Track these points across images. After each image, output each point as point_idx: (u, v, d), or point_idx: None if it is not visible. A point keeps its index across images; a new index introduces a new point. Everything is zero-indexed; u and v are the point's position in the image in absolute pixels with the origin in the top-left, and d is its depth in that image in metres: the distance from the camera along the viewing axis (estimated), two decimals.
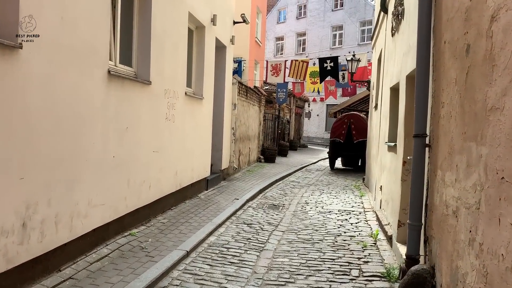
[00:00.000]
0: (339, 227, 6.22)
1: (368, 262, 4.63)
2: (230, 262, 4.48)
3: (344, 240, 5.49)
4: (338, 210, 7.49)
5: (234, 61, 13.01)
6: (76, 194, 3.79)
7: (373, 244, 5.31)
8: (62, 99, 3.51)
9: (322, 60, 13.80)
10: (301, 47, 35.90)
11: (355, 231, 6.00)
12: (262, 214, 6.99)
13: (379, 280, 4.08)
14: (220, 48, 9.10)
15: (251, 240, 5.34)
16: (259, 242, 5.31)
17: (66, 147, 3.61)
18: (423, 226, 3.54)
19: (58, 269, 3.64)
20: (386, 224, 5.74)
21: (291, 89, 18.97)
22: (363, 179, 11.45)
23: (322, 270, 4.35)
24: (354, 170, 14.99)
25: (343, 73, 14.86)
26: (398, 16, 5.51)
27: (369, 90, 12.74)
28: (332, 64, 13.55)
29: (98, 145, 4.13)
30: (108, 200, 4.41)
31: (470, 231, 2.30)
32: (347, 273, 4.27)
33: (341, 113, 17.81)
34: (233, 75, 11.15)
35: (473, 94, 2.39)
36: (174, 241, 4.87)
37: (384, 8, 7.33)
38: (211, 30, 8.08)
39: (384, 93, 7.33)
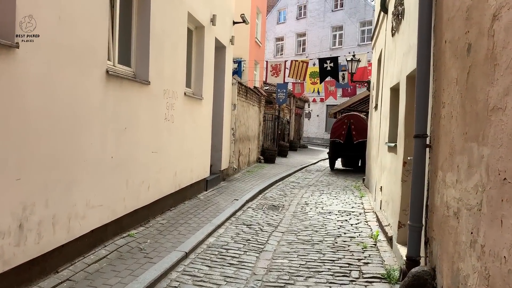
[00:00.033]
0: (339, 228, 6.19)
1: (368, 263, 4.60)
2: (229, 264, 4.45)
3: (344, 241, 5.46)
4: (338, 211, 7.46)
5: (234, 61, 12.98)
6: (74, 195, 3.76)
7: (373, 245, 5.28)
8: (60, 99, 3.48)
9: (322, 61, 13.77)
10: (301, 48, 35.88)
11: (355, 232, 5.97)
12: (262, 215, 6.96)
13: (379, 282, 4.05)
14: (219, 48, 9.07)
15: (250, 241, 5.31)
16: (259, 243, 5.28)
17: (64, 148, 3.58)
18: (423, 227, 3.51)
19: (56, 271, 3.61)
20: (386, 225, 5.71)
21: (291, 89, 18.95)
22: (363, 179, 11.42)
23: (322, 271, 4.32)
24: (354, 171, 14.96)
25: (343, 74, 14.83)
26: (398, 16, 5.48)
27: (369, 91, 12.71)
28: (332, 64, 13.51)
29: (96, 145, 4.10)
30: (106, 201, 4.38)
31: (472, 233, 2.27)
32: (347, 275, 4.24)
33: (341, 114, 17.78)
34: (232, 75, 11.12)
35: (475, 94, 2.36)
36: (173, 242, 4.84)
37: (384, 8, 7.30)
38: (211, 30, 8.05)
39: (384, 93, 7.30)
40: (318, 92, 18.90)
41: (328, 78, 14.56)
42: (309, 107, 33.33)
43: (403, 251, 4.30)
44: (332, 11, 33.90)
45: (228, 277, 4.07)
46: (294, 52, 35.50)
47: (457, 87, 2.73)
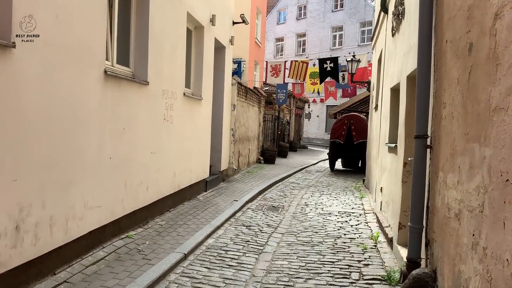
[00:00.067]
0: (339, 229, 6.15)
1: (368, 265, 4.57)
2: (229, 265, 4.41)
3: (344, 243, 5.42)
4: (338, 212, 7.43)
5: (233, 61, 12.96)
6: (71, 196, 3.72)
7: (374, 247, 5.25)
8: (57, 99, 3.45)
9: (322, 61, 13.74)
10: (301, 48, 35.87)
11: (355, 233, 5.93)
12: (262, 216, 6.92)
13: (380, 284, 4.01)
14: (219, 48, 9.05)
15: (250, 243, 5.28)
16: (258, 244, 5.24)
17: (61, 148, 3.55)
18: (424, 229, 3.48)
19: (53, 273, 3.57)
20: (386, 226, 5.67)
21: (291, 90, 18.91)
22: (363, 180, 11.38)
23: (322, 273, 4.29)
24: (354, 171, 14.92)
25: (343, 74, 14.80)
26: (399, 16, 5.45)
27: (369, 91, 12.68)
28: (332, 65, 13.48)
29: (94, 146, 4.07)
30: (104, 202, 4.35)
31: (473, 235, 2.24)
32: (347, 276, 4.20)
33: (341, 114, 17.75)
34: (232, 75, 11.09)
35: (476, 94, 2.33)
36: (171, 244, 4.81)
37: (384, 8, 7.27)
38: (210, 30, 8.03)
39: (384, 93, 7.27)
40: (318, 93, 18.88)
41: (328, 79, 14.53)
42: (309, 107, 33.31)
43: (403, 252, 4.27)
44: (332, 11, 33.89)
45: (227, 279, 4.04)
46: (294, 53, 35.48)
47: (458, 87, 2.70)
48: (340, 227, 6.31)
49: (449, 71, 2.95)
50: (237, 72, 14.74)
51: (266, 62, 16.62)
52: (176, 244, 4.80)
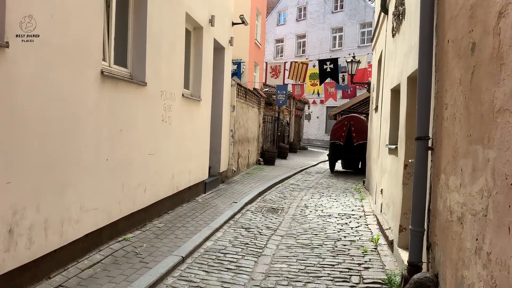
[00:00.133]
0: (339, 232, 6.09)
1: (368, 268, 4.51)
2: (227, 268, 4.35)
3: (344, 245, 5.36)
4: (338, 214, 7.36)
5: (233, 63, 12.91)
6: (67, 198, 3.67)
7: (374, 249, 5.19)
8: (52, 100, 3.40)
9: (322, 62, 13.69)
10: (301, 49, 35.82)
11: (355, 236, 5.87)
12: (261, 218, 6.86)
13: (380, 287, 3.95)
14: (218, 49, 9.00)
15: (248, 245, 5.22)
16: (257, 247, 5.18)
17: (57, 150, 3.49)
18: (425, 232, 3.42)
19: (48, 277, 3.51)
20: (387, 229, 5.61)
21: (291, 91, 18.84)
22: (363, 181, 11.32)
23: (321, 276, 4.23)
24: (354, 173, 14.87)
25: (343, 75, 14.74)
26: (399, 16, 5.40)
27: (369, 92, 12.63)
28: (332, 66, 13.42)
29: (90, 147, 4.01)
30: (101, 205, 4.29)
31: (477, 239, 2.18)
32: (347, 280, 4.14)
33: (341, 115, 17.68)
34: (232, 77, 11.04)
35: (479, 94, 2.27)
36: (169, 247, 4.75)
37: (384, 8, 7.22)
38: (209, 31, 7.98)
39: (384, 94, 7.21)
40: (318, 94, 18.79)
41: (328, 80, 14.47)
42: (309, 108, 33.24)
43: (404, 255, 4.21)
44: (332, 12, 33.86)
45: (225, 282, 3.98)
46: (294, 54, 35.44)
47: (460, 87, 2.64)
48: (340, 229, 6.25)
49: (451, 71, 2.90)
50: (236, 73, 14.68)
51: (266, 63, 16.56)
52: (174, 247, 4.74)
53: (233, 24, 10.10)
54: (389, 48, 6.74)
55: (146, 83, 5.15)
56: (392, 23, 6.11)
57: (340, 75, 14.30)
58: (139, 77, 5.11)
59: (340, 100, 21.51)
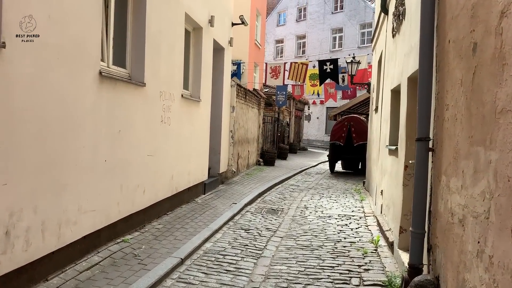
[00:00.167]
0: (339, 233, 6.06)
1: (369, 270, 4.48)
2: (226, 270, 4.32)
3: (344, 247, 5.33)
4: (338, 215, 7.33)
5: (233, 63, 12.88)
6: (64, 200, 3.64)
7: (374, 251, 5.16)
8: (50, 100, 3.37)
9: (321, 63, 13.65)
10: (301, 50, 35.81)
11: (355, 237, 5.84)
12: (261, 219, 6.83)
13: None
14: (218, 50, 8.97)
15: (248, 247, 5.18)
16: (257, 248, 5.15)
17: (54, 151, 3.46)
18: (426, 234, 3.39)
19: (45, 279, 3.48)
20: (387, 230, 5.58)
21: (291, 91, 18.81)
22: (364, 182, 11.29)
23: (321, 278, 4.19)
24: (354, 173, 14.84)
25: (343, 76, 14.70)
26: (399, 16, 5.38)
27: (369, 93, 12.60)
28: (331, 66, 13.39)
29: (88, 148, 3.98)
30: (99, 206, 4.26)
31: (479, 242, 2.15)
32: (347, 282, 4.11)
33: (341, 116, 17.66)
34: (232, 77, 11.02)
35: (481, 95, 2.24)
36: (168, 248, 4.72)
37: (384, 9, 7.20)
38: (209, 31, 7.95)
39: (384, 95, 7.19)
40: (318, 94, 18.74)
41: (328, 80, 14.44)
42: (309, 109, 33.21)
43: (404, 257, 4.18)
44: (332, 13, 33.85)
45: (225, 284, 3.95)
46: (294, 55, 35.42)
47: (461, 88, 2.61)
48: (340, 230, 6.22)
49: (452, 71, 2.87)
50: (236, 74, 14.65)
51: (266, 63, 16.52)
52: (173, 248, 4.71)
53: (233, 24, 10.08)
54: (389, 49, 6.72)
55: (145, 83, 5.12)
56: (392, 23, 6.08)
57: (340, 75, 14.27)
58: (138, 77, 5.08)
59: (340, 100, 21.49)
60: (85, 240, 4.07)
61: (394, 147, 5.46)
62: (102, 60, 4.40)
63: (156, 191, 5.74)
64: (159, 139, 5.74)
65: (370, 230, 6.24)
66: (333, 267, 4.54)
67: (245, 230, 6.02)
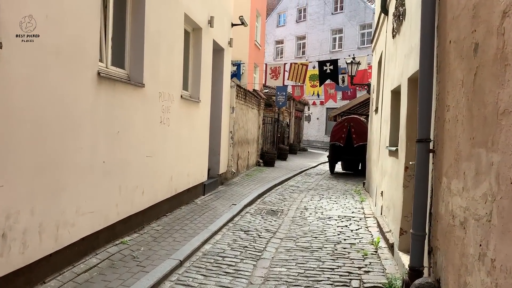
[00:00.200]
0: (339, 234, 6.03)
1: (369, 271, 4.44)
2: (225, 272, 4.29)
3: (344, 248, 5.30)
4: (338, 216, 7.30)
5: (233, 64, 12.86)
6: (62, 201, 3.61)
7: (374, 252, 5.13)
8: (47, 101, 3.34)
9: (321, 63, 13.63)
10: (301, 51, 35.79)
11: (355, 238, 5.81)
12: (260, 220, 6.80)
13: None
14: (217, 50, 8.95)
15: (247, 248, 5.15)
16: (256, 250, 5.12)
17: (52, 152, 3.44)
18: (427, 236, 3.36)
19: (43, 281, 3.45)
20: (387, 231, 5.55)
21: (291, 92, 18.79)
22: (364, 183, 11.26)
23: (321, 280, 4.16)
24: (354, 174, 14.81)
25: (343, 76, 14.68)
26: (399, 17, 5.35)
27: (369, 94, 12.57)
28: (331, 67, 13.37)
29: (86, 150, 3.95)
30: (98, 208, 4.23)
31: (480, 245, 2.12)
32: (347, 284, 4.08)
33: (341, 117, 17.64)
34: (232, 78, 10.99)
35: (483, 96, 2.21)
36: (167, 250, 4.69)
37: (384, 9, 7.17)
38: (208, 32, 7.93)
39: (384, 96, 7.16)
40: (318, 95, 18.75)
41: (328, 81, 14.42)
42: (309, 110, 33.19)
43: (405, 259, 4.15)
44: (332, 14, 33.84)
45: (224, 286, 3.92)
46: (294, 55, 35.40)
47: (463, 89, 2.59)
48: (340, 232, 6.19)
49: (453, 72, 2.84)
50: (236, 75, 14.63)
51: (266, 64, 16.51)
52: (172, 250, 4.68)
53: (233, 25, 10.06)
54: (389, 49, 6.69)
55: (144, 84, 5.10)
56: (392, 24, 6.06)
57: (340, 76, 14.25)
58: (136, 78, 5.05)
59: (340, 101, 21.48)
60: (83, 242, 4.04)
61: (394, 148, 5.43)
62: (101, 60, 4.37)
63: (155, 192, 5.71)
64: (158, 140, 5.71)
65: (370, 232, 6.21)
66: (333, 269, 4.51)
67: (245, 231, 5.99)
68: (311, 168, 16.63)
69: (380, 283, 4.09)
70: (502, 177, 1.90)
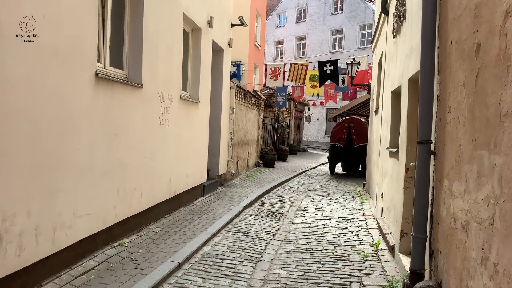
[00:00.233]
0: (339, 236, 5.99)
1: (369, 274, 4.41)
2: (224, 275, 4.25)
3: (344, 250, 5.26)
4: (338, 218, 7.26)
5: (232, 64, 12.82)
6: (59, 203, 3.57)
7: (375, 255, 5.09)
8: (44, 102, 3.30)
9: (321, 64, 13.60)
10: (301, 51, 35.77)
11: (355, 240, 5.77)
12: (260, 222, 6.76)
13: None
14: (217, 51, 8.92)
15: (247, 250, 5.12)
16: (256, 252, 5.08)
17: (49, 153, 3.40)
18: (428, 239, 3.32)
19: (40, 284, 3.41)
20: (388, 233, 5.51)
21: (291, 93, 18.76)
22: (364, 184, 11.23)
23: (321, 283, 4.13)
24: (354, 175, 14.76)
25: (343, 77, 14.65)
26: (400, 17, 5.32)
27: (369, 94, 12.54)
28: (331, 67, 13.34)
29: (84, 151, 3.91)
30: (95, 209, 4.19)
31: (483, 249, 2.09)
32: (347, 287, 4.04)
33: (341, 117, 17.61)
34: (231, 78, 10.95)
35: (485, 97, 2.18)
36: (166, 252, 4.65)
37: (384, 9, 7.14)
38: (208, 32, 7.89)
39: (385, 97, 7.12)
40: (318, 96, 18.73)
41: (328, 82, 14.39)
42: (309, 110, 33.14)
43: (405, 261, 4.11)
44: (332, 14, 33.81)
45: None
46: (294, 56, 35.38)
47: (464, 90, 2.55)
48: (340, 233, 6.15)
49: (454, 73, 2.81)
50: (236, 75, 14.59)
51: (266, 65, 16.48)
52: (170, 252, 4.65)
53: (232, 25, 10.02)
54: (389, 50, 6.66)
55: (142, 85, 5.06)
56: (393, 24, 6.02)
57: (340, 77, 14.23)
58: (135, 79, 5.02)
59: (340, 102, 21.45)
60: (81, 244, 4.00)
61: (394, 149, 5.40)
62: (99, 61, 4.33)
63: (153, 193, 5.68)
64: (157, 141, 5.68)
65: (370, 233, 6.17)
66: (333, 271, 4.47)
67: (244, 233, 5.95)
68: (311, 169, 16.60)
69: (380, 285, 4.05)
70: (505, 179, 1.87)
